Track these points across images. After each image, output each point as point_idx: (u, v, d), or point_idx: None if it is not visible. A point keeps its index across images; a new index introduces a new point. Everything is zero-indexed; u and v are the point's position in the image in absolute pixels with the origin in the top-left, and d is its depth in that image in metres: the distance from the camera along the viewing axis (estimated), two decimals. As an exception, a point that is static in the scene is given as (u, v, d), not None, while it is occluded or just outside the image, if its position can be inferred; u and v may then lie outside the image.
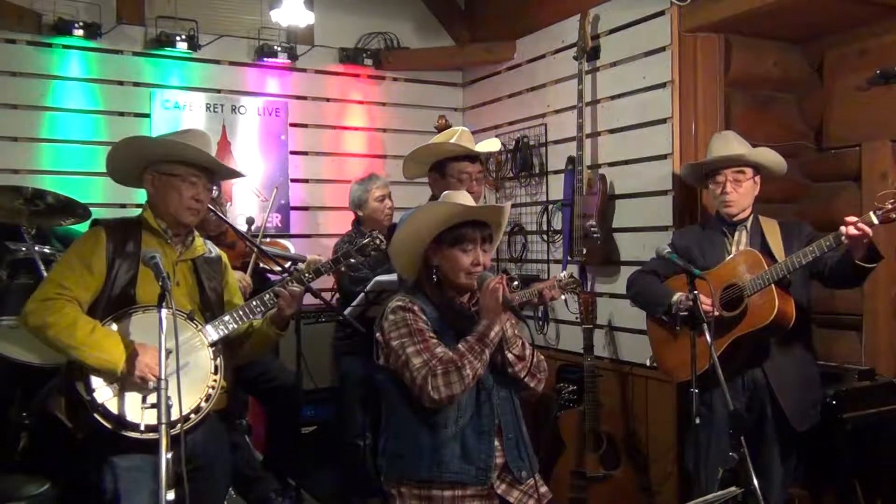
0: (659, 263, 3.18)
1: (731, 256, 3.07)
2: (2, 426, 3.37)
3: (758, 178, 3.14)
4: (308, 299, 2.90)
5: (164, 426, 2.01)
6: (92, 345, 2.26)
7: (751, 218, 3.14)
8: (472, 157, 3.07)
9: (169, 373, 2.22)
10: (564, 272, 3.72)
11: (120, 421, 2.28)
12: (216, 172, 2.63)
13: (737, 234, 3.15)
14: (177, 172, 2.47)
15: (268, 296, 2.58)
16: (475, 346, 2.18)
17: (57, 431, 3.23)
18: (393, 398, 2.32)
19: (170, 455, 1.99)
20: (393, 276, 3.38)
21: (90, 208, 3.66)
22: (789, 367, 3.01)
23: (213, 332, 2.47)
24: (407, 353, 2.18)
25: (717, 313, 2.87)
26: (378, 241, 2.87)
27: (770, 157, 3.15)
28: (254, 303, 2.57)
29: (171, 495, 1.95)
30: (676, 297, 2.99)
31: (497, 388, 2.32)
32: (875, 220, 2.62)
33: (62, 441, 3.14)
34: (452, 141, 3.07)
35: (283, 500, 3.80)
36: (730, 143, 3.15)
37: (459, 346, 2.19)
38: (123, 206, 4.45)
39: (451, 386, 2.13)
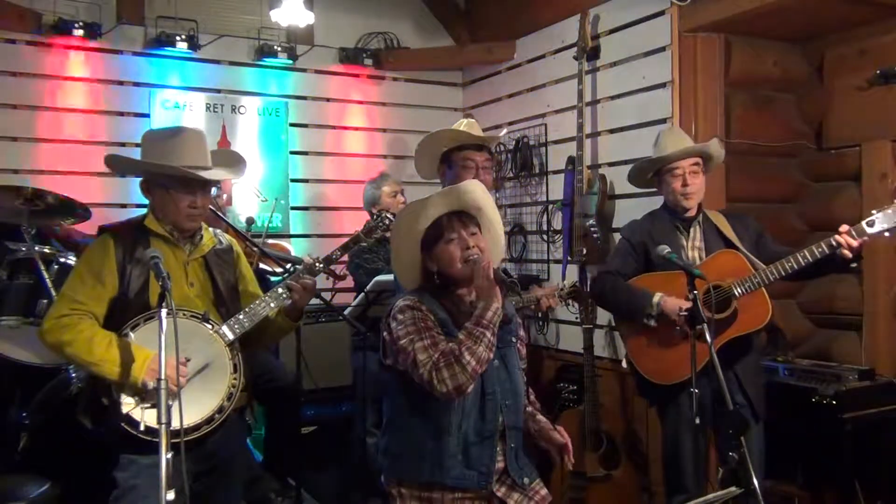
0: (621, 263, 3.16)
1: (710, 256, 3.06)
2: (2, 426, 3.38)
3: (704, 170, 3.17)
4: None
5: (163, 426, 2.01)
6: (110, 359, 2.28)
7: (701, 214, 3.16)
8: (478, 145, 3.01)
9: (190, 379, 2.28)
10: (566, 280, 3.72)
11: (145, 429, 2.29)
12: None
13: (691, 229, 3.15)
14: (168, 185, 2.46)
15: (280, 289, 2.59)
16: (473, 330, 2.14)
17: (57, 432, 3.25)
18: (397, 398, 2.31)
19: (170, 455, 1.98)
20: (392, 276, 3.38)
21: (90, 208, 3.67)
22: (751, 360, 3.06)
23: (228, 332, 2.48)
24: (415, 349, 2.15)
25: (682, 316, 2.89)
26: (387, 221, 2.85)
27: (717, 147, 3.20)
28: (266, 298, 2.57)
29: (171, 495, 1.94)
30: (657, 297, 2.98)
31: (504, 395, 2.31)
32: (868, 230, 2.75)
33: (63, 440, 3.15)
34: (460, 130, 3.03)
35: (283, 500, 3.80)
36: (682, 138, 3.18)
37: (459, 334, 2.17)
38: (124, 206, 4.46)
39: (455, 377, 2.09)
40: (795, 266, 2.84)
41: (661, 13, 3.89)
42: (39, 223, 3.61)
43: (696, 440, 2.84)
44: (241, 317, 2.51)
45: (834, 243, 2.77)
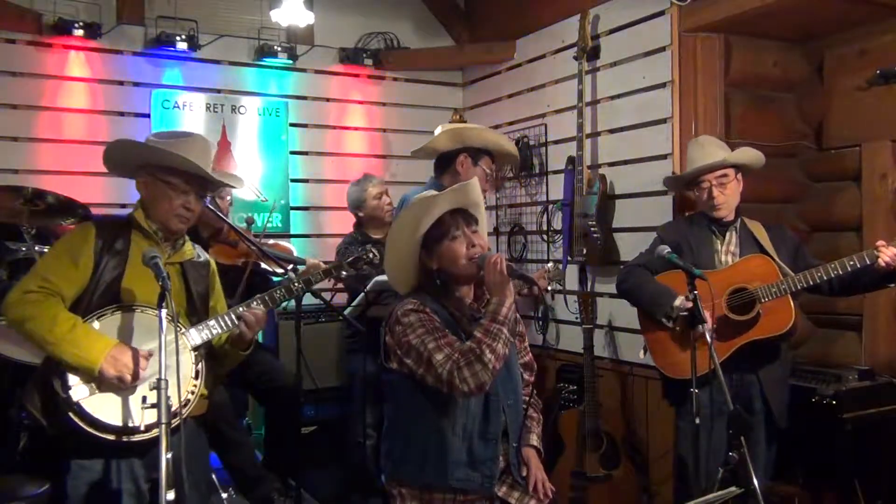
0: (650, 258, 3.19)
1: (740, 260, 3.09)
2: (2, 426, 3.37)
3: (740, 176, 3.17)
4: (308, 299, 2.89)
5: (164, 426, 1.99)
6: (71, 341, 2.21)
7: (739, 220, 3.18)
8: (494, 157, 3.27)
9: (148, 375, 2.19)
10: (550, 264, 3.78)
11: (93, 422, 2.23)
12: (211, 182, 2.57)
13: (728, 234, 3.17)
14: (168, 179, 2.43)
15: (255, 303, 2.52)
16: (490, 327, 2.14)
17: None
18: (400, 400, 2.30)
19: (170, 455, 1.96)
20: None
21: (90, 208, 3.66)
22: (777, 369, 3.08)
23: (196, 336, 2.42)
24: (429, 350, 2.14)
25: (712, 326, 2.89)
26: (371, 255, 2.86)
27: (749, 155, 3.19)
28: (240, 309, 2.52)
29: (171, 495, 1.93)
30: (679, 301, 2.98)
31: (506, 394, 2.31)
32: None
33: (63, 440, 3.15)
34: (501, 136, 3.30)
35: (283, 499, 3.80)
36: (707, 150, 3.17)
37: (476, 331, 2.16)
38: (123, 206, 4.46)
39: (477, 375, 2.09)
40: (825, 276, 2.86)
41: (661, 13, 3.89)
42: (39, 223, 3.61)
43: (698, 440, 2.83)
44: (210, 322, 2.46)
45: (868, 257, 2.79)
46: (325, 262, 4.30)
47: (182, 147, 2.44)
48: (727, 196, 3.11)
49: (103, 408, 2.24)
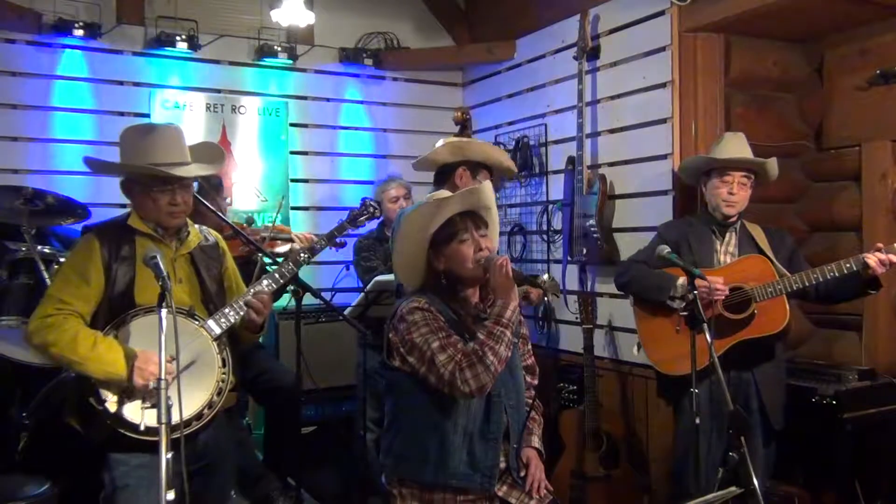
0: (647, 255, 3.20)
1: (737, 259, 3.11)
2: (2, 426, 3.37)
3: (753, 184, 3.20)
4: (308, 299, 2.89)
5: (163, 426, 1.99)
6: (95, 358, 2.26)
7: (739, 222, 3.21)
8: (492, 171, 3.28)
9: (177, 373, 2.22)
10: (546, 275, 3.81)
11: (134, 427, 2.28)
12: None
13: (727, 235, 3.20)
14: (147, 184, 2.43)
15: (266, 281, 2.57)
16: (494, 329, 2.15)
17: (57, 432, 3.25)
18: (401, 398, 2.30)
19: (170, 455, 1.97)
20: (392, 276, 3.38)
21: (90, 208, 3.66)
22: (772, 369, 3.10)
23: (215, 327, 2.45)
24: (432, 349, 2.14)
25: (725, 292, 2.94)
26: (372, 209, 2.86)
27: (776, 167, 3.24)
28: (251, 292, 2.54)
29: (170, 495, 1.93)
30: (682, 280, 3.01)
31: (508, 395, 2.31)
32: None
33: (63, 440, 3.16)
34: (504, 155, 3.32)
35: (283, 499, 3.80)
36: (744, 146, 3.21)
37: (479, 333, 2.17)
38: (123, 206, 4.43)
39: (478, 377, 2.10)
40: (820, 277, 2.88)
41: (661, 13, 3.89)
42: (39, 223, 3.61)
43: (698, 440, 2.84)
44: (226, 310, 2.49)
45: (862, 259, 2.80)
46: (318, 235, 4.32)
47: (150, 145, 2.43)
48: (742, 197, 3.15)
49: (140, 412, 2.29)
